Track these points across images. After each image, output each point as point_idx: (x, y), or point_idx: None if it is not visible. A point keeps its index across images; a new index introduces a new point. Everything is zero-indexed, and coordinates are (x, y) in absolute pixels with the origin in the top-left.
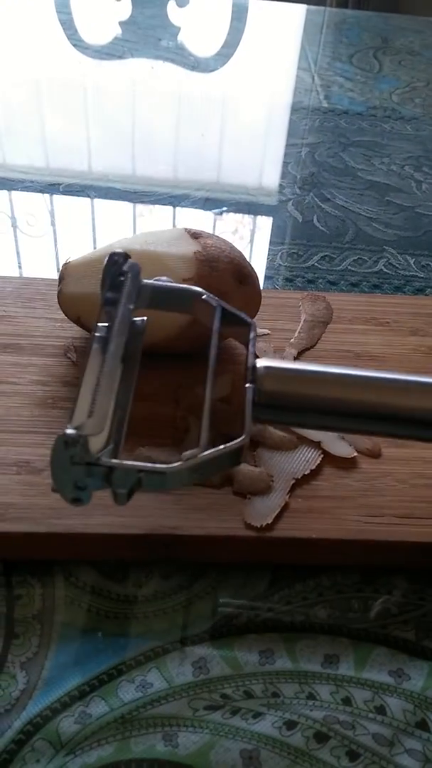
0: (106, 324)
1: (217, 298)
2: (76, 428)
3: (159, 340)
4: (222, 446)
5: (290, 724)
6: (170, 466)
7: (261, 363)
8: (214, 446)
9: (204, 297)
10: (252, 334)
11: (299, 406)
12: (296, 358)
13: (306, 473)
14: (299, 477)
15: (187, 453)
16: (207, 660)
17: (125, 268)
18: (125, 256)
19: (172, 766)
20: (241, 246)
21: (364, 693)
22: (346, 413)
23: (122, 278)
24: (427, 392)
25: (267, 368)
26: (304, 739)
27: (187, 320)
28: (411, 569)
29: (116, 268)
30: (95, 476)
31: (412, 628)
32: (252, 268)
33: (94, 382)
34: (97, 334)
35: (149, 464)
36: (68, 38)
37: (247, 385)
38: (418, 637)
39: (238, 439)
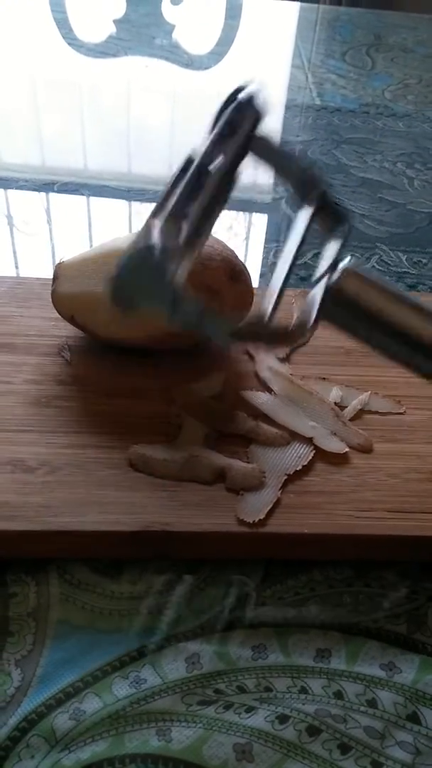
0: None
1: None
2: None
3: (153, 337)
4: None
5: (282, 718)
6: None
7: (347, 262)
8: (207, 443)
9: (310, 172)
10: (345, 230)
11: (371, 317)
12: (289, 355)
13: (298, 469)
14: (291, 473)
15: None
16: (200, 655)
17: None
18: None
19: (166, 760)
20: (236, 243)
21: (356, 686)
22: (413, 342)
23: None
24: None
25: (352, 269)
26: (296, 733)
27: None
28: (402, 563)
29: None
30: (159, 292)
31: (404, 621)
32: (244, 266)
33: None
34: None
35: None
36: (63, 37)
37: (325, 277)
38: (410, 631)
39: (301, 323)
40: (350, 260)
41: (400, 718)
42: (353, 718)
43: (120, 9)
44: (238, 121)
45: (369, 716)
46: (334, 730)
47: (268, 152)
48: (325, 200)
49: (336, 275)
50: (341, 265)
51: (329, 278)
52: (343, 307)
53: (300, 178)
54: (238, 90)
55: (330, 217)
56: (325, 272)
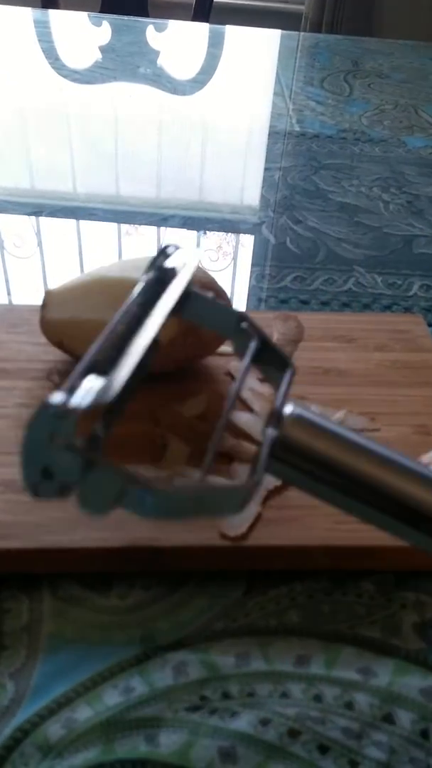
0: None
1: (259, 328)
2: (71, 396)
3: None
4: (228, 482)
5: (265, 722)
6: (165, 486)
7: (292, 409)
8: (191, 462)
9: (244, 325)
10: (288, 376)
11: (323, 469)
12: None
13: (278, 485)
14: (271, 488)
15: (183, 477)
16: (186, 664)
17: (175, 262)
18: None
19: (154, 764)
20: (223, 264)
21: (334, 690)
22: (376, 500)
23: (171, 269)
24: None
25: (298, 416)
26: (277, 735)
27: (168, 338)
28: (377, 573)
29: (164, 258)
30: (71, 466)
31: (379, 628)
32: (224, 292)
33: (110, 340)
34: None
35: (140, 477)
36: (50, 65)
37: (268, 429)
38: (385, 636)
39: (248, 480)
40: (293, 408)
41: (376, 719)
42: (331, 720)
43: (105, 36)
44: (163, 282)
45: (346, 718)
46: (313, 731)
47: (200, 309)
48: (265, 347)
49: (279, 426)
50: (286, 412)
51: (273, 429)
52: (291, 459)
53: (236, 329)
54: (162, 252)
55: (272, 364)
56: (267, 424)
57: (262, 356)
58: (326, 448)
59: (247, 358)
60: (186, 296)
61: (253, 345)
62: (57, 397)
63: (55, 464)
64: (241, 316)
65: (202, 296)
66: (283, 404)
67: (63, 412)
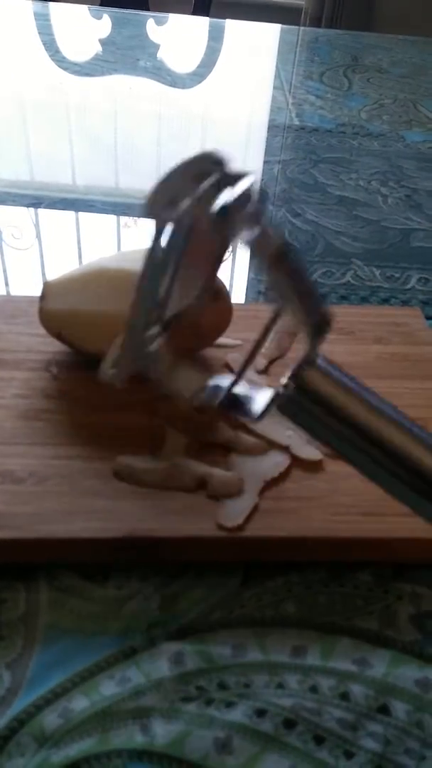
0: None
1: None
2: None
3: None
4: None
5: (260, 712)
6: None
7: (322, 359)
8: (188, 453)
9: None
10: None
11: (334, 413)
12: (267, 367)
13: (275, 476)
14: (269, 480)
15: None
16: (183, 655)
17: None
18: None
19: (150, 755)
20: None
21: (330, 681)
22: (384, 455)
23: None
24: None
25: (322, 366)
26: (273, 726)
27: None
28: (374, 564)
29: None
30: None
31: (376, 619)
32: (223, 285)
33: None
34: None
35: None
36: (50, 58)
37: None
38: (381, 628)
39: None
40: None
41: (372, 710)
42: (327, 710)
43: (105, 29)
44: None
45: (342, 709)
46: (309, 722)
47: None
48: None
49: (300, 369)
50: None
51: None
52: (306, 404)
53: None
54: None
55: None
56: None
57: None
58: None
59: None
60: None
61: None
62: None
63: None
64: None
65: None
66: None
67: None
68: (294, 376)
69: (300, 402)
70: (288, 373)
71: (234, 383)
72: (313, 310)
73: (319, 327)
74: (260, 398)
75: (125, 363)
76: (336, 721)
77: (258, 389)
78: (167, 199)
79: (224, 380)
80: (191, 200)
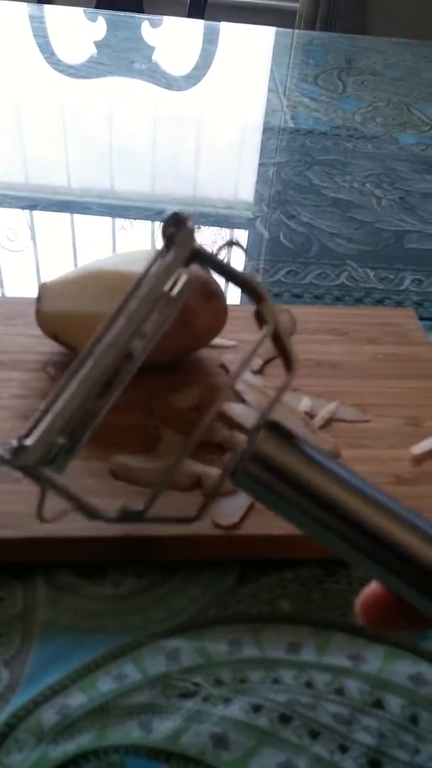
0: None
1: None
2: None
3: None
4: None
5: (256, 708)
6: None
7: (270, 423)
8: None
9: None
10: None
11: (291, 481)
12: (262, 367)
13: None
14: None
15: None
16: (179, 651)
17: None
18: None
19: (147, 750)
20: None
21: (325, 676)
22: (332, 510)
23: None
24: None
25: (269, 430)
26: (269, 721)
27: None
28: None
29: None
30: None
31: None
32: (218, 286)
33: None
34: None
35: (81, 501)
36: (46, 60)
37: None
38: None
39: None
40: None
41: (366, 705)
42: (322, 705)
43: (100, 32)
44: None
45: (337, 704)
46: (304, 717)
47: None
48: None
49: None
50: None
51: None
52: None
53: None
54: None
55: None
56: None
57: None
58: (298, 469)
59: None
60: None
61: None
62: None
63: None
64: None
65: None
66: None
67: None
68: (249, 444)
69: (256, 473)
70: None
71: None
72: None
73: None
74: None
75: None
76: (331, 715)
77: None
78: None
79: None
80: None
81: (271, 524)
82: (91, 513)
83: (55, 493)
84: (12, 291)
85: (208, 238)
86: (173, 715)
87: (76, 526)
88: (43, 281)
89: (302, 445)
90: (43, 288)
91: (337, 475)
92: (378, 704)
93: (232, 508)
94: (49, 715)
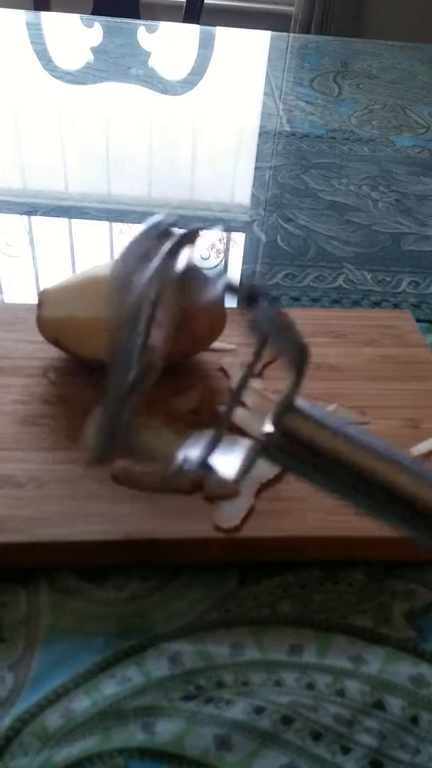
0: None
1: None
2: None
3: None
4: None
5: (258, 710)
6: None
7: (300, 402)
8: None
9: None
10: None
11: (316, 452)
12: (261, 370)
13: (270, 477)
14: (264, 481)
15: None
16: (182, 654)
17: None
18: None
19: (151, 752)
20: (212, 266)
21: (326, 678)
22: (364, 485)
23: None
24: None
25: (299, 407)
26: (271, 723)
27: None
28: (367, 563)
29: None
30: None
31: (370, 616)
32: None
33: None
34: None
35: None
36: (43, 67)
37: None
38: (375, 625)
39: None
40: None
41: (367, 706)
42: (324, 707)
43: (97, 38)
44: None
45: (338, 705)
46: (306, 718)
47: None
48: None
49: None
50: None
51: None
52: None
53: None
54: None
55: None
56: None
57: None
58: (324, 441)
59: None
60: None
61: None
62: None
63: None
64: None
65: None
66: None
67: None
68: (276, 423)
69: (285, 447)
70: (269, 420)
71: (211, 448)
72: (295, 347)
73: (300, 365)
74: (236, 456)
75: (105, 437)
76: (332, 717)
77: (234, 445)
78: (137, 258)
79: (199, 441)
80: (159, 259)
81: (272, 527)
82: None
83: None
84: (11, 297)
85: (205, 241)
86: (176, 717)
87: (78, 530)
88: (42, 287)
89: (323, 418)
90: (44, 294)
91: (354, 441)
92: (379, 705)
93: (234, 511)
94: (53, 719)
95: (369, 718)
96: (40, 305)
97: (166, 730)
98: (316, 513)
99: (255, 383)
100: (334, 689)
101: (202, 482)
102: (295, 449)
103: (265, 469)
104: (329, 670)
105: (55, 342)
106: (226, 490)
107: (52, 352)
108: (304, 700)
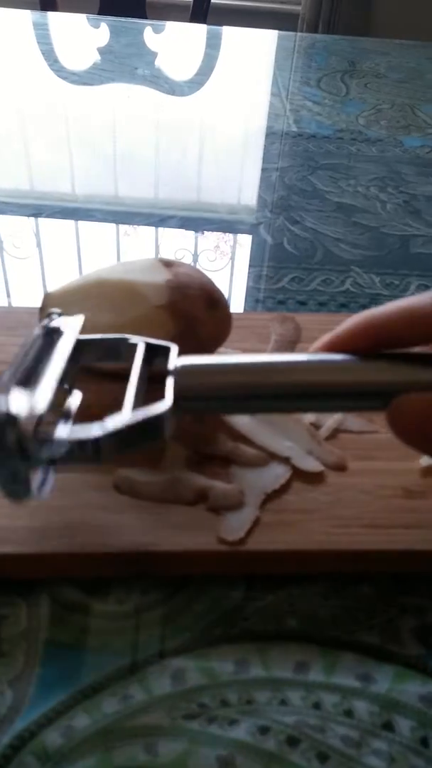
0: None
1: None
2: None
3: None
4: (145, 410)
5: (263, 730)
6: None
7: (178, 362)
8: (188, 465)
9: (133, 340)
10: (174, 350)
11: (213, 395)
12: None
13: (276, 488)
14: (270, 492)
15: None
16: (185, 671)
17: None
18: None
19: None
20: (218, 269)
21: (333, 697)
22: (252, 395)
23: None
24: (321, 369)
25: (183, 366)
26: (276, 743)
27: (165, 333)
28: (376, 577)
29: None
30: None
31: (378, 633)
32: (222, 294)
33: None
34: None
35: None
36: (49, 67)
37: (168, 380)
38: (384, 642)
39: (160, 405)
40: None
41: (376, 727)
42: (331, 727)
43: (103, 38)
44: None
45: (346, 726)
46: (312, 739)
47: (94, 349)
48: (150, 346)
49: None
50: (175, 369)
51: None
52: (192, 399)
53: (128, 347)
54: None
55: (160, 354)
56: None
57: (151, 356)
58: (206, 379)
59: (138, 360)
60: (78, 346)
61: (141, 347)
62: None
63: (18, 469)
64: (125, 337)
65: (90, 338)
66: (173, 363)
67: (8, 418)
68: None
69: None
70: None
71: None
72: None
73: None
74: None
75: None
76: (340, 738)
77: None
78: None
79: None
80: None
81: (278, 540)
82: None
83: None
84: (18, 300)
85: (211, 243)
86: (179, 737)
87: (80, 541)
88: (48, 290)
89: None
90: (47, 297)
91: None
92: (388, 726)
93: (238, 522)
94: (53, 738)
95: (378, 739)
96: (42, 309)
97: (168, 750)
98: (324, 525)
99: None
100: (342, 709)
101: (206, 493)
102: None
103: (271, 479)
104: (336, 688)
105: None
106: (230, 501)
107: None
108: (311, 720)
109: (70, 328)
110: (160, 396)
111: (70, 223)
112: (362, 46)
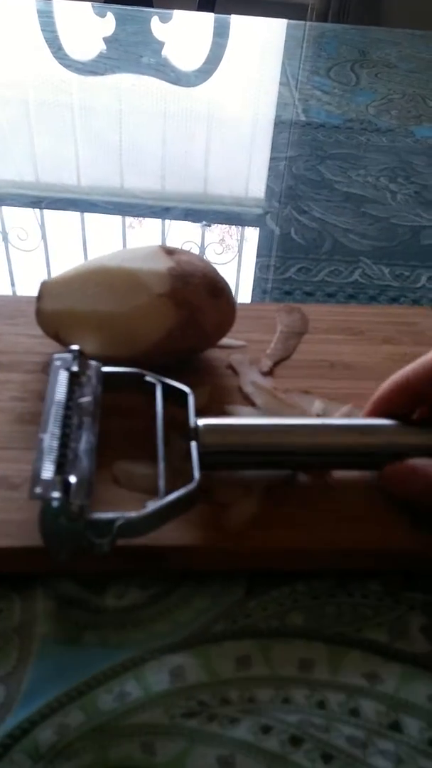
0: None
1: (157, 376)
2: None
3: (138, 355)
4: (177, 492)
5: (266, 729)
6: (140, 513)
7: (200, 422)
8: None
9: (147, 377)
10: (191, 400)
11: (235, 453)
12: (272, 368)
13: (279, 483)
14: (273, 487)
15: (150, 502)
16: (184, 668)
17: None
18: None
19: None
20: (225, 260)
21: (339, 696)
22: (270, 453)
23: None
24: (329, 432)
25: (206, 426)
26: (279, 743)
27: (167, 330)
28: (384, 573)
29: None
30: (78, 531)
31: (386, 631)
32: (225, 283)
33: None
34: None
35: (123, 514)
36: (54, 56)
37: (191, 442)
38: (391, 640)
39: (190, 485)
40: (202, 421)
41: (382, 727)
42: (336, 727)
43: (109, 27)
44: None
45: (351, 725)
46: (316, 739)
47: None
48: (167, 386)
49: (195, 438)
50: (198, 429)
51: (194, 443)
52: (213, 455)
53: (142, 382)
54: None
55: (179, 396)
56: (190, 438)
57: (168, 394)
58: (229, 439)
59: (159, 401)
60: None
61: (159, 388)
62: (56, 499)
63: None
64: (142, 373)
65: (110, 371)
66: (194, 421)
67: (66, 506)
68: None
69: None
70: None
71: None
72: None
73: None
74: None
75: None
76: (345, 738)
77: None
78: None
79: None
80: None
81: (281, 535)
82: None
83: None
84: (23, 290)
85: (217, 235)
86: (177, 736)
87: None
88: (43, 279)
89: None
90: (44, 286)
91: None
92: (395, 726)
93: (241, 517)
94: (46, 735)
95: (384, 739)
96: (39, 298)
97: (166, 749)
98: (328, 521)
99: (265, 382)
100: (347, 708)
101: (208, 487)
102: (223, 459)
103: (274, 473)
104: (342, 687)
105: (55, 336)
106: (233, 496)
107: (53, 347)
108: (315, 720)
109: (93, 370)
110: (184, 447)
111: (75, 214)
112: (373, 35)
